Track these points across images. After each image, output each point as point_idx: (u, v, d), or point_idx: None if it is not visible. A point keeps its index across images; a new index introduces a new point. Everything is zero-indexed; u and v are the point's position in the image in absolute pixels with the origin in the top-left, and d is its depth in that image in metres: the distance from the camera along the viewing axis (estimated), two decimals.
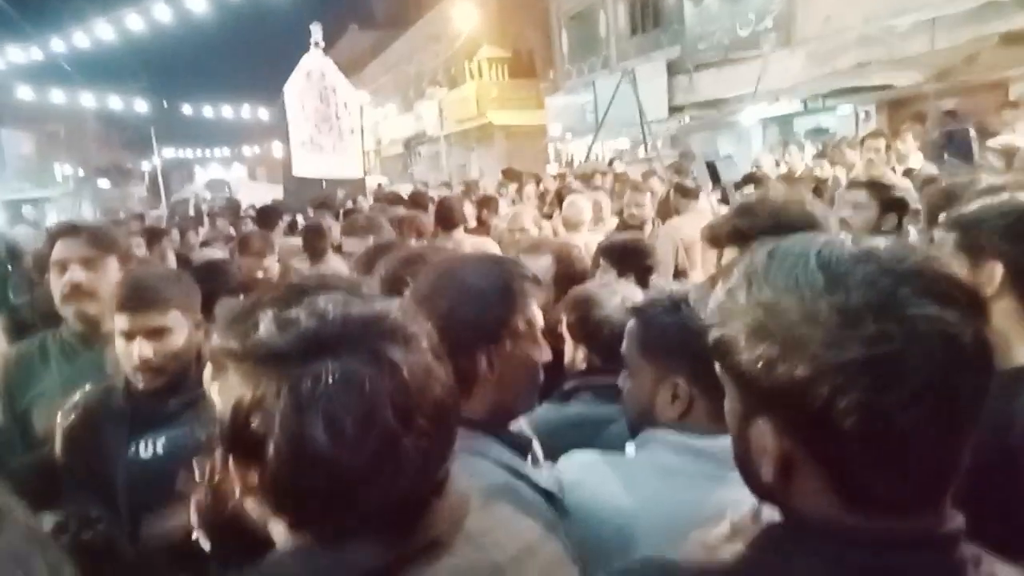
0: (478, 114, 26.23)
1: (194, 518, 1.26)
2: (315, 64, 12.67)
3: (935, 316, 0.70)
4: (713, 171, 7.72)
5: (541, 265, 2.64)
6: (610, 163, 10.65)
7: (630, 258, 3.16)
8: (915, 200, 3.87)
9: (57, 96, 19.63)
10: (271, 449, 0.78)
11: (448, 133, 27.76)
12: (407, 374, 0.82)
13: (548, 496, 1.32)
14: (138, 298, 1.94)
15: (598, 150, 19.00)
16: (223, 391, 0.84)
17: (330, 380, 0.78)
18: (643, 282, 3.29)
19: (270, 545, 0.90)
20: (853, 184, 3.36)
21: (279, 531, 0.87)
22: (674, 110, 17.12)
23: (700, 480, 1.30)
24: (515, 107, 25.95)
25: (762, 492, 0.84)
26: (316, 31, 12.50)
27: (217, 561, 1.25)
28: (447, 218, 5.10)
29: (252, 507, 0.88)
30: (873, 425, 0.70)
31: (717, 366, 0.84)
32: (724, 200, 6.72)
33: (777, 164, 8.43)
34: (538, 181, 11.48)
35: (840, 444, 0.72)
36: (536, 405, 1.49)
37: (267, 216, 6.51)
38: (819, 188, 6.89)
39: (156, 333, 1.91)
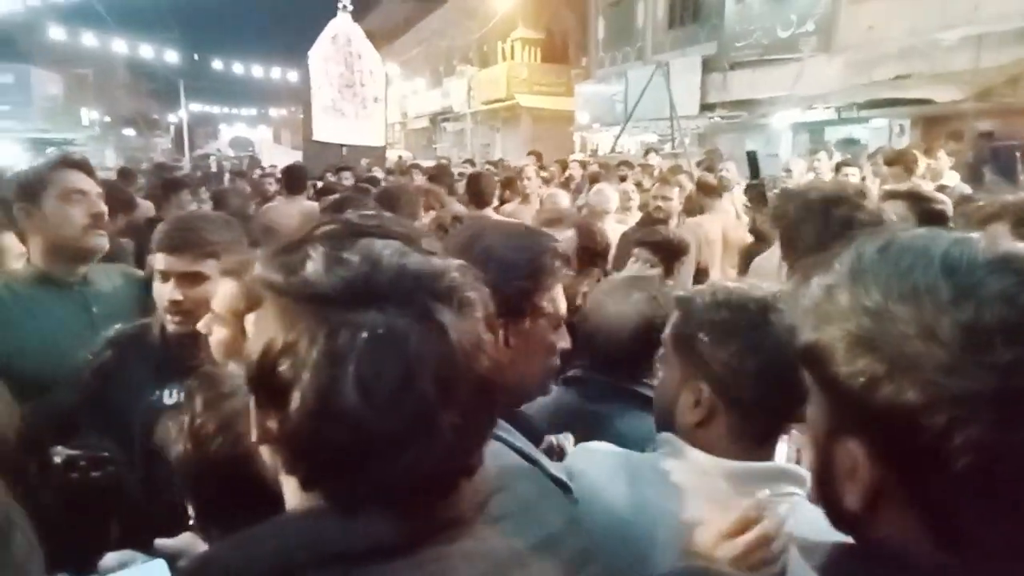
0: (507, 95, 26.04)
1: (177, 477, 1.19)
2: (342, 28, 12.58)
3: None
4: (754, 163, 7.57)
5: (563, 238, 2.57)
6: (646, 154, 10.52)
7: (665, 251, 3.14)
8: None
9: (88, 39, 19.61)
10: (296, 397, 0.71)
11: (475, 111, 27.60)
12: (456, 341, 0.74)
13: (559, 484, 1.24)
14: (177, 240, 1.93)
15: (625, 142, 18.83)
16: (257, 326, 0.78)
17: (372, 333, 0.71)
18: (669, 274, 3.24)
19: (269, 504, 0.82)
20: (890, 194, 3.20)
21: (290, 489, 0.80)
22: (705, 108, 16.88)
23: (699, 498, 1.20)
24: (544, 91, 25.74)
25: (839, 517, 0.75)
26: None
27: (209, 520, 1.18)
28: (480, 194, 5.00)
29: (266, 456, 0.80)
30: (994, 468, 0.59)
31: (806, 373, 0.73)
32: (761, 196, 6.58)
33: (808, 170, 8.25)
34: (564, 167, 11.37)
35: (948, 485, 0.62)
36: (549, 391, 1.41)
37: (294, 179, 6.32)
38: None
39: (190, 278, 1.90)
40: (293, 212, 5.56)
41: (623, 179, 7.94)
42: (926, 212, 2.98)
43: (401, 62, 34.89)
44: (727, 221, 5.45)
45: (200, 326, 1.72)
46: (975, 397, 0.59)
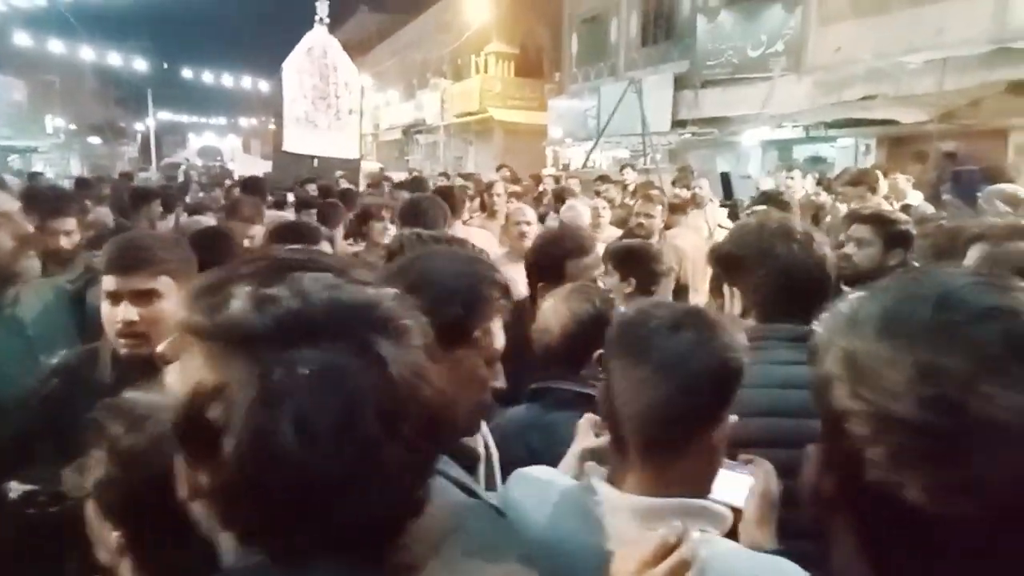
0: (480, 108, 26.10)
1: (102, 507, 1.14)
2: (318, 41, 12.55)
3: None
4: (727, 184, 7.67)
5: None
6: (621, 170, 10.58)
7: (634, 262, 3.07)
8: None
9: (56, 46, 19.26)
10: (229, 445, 0.66)
11: (448, 124, 27.61)
12: (397, 372, 0.70)
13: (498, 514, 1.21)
14: (128, 258, 1.84)
15: (597, 158, 18.95)
16: (183, 372, 0.71)
17: (307, 371, 0.66)
18: (646, 291, 3.21)
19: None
20: (856, 218, 3.25)
21: (227, 545, 0.75)
22: (677, 124, 17.07)
23: (613, 533, 1.15)
24: (518, 105, 25.84)
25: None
26: (322, 8, 12.39)
27: (141, 548, 1.12)
28: (450, 207, 4.98)
29: (199, 513, 0.76)
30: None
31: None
32: (733, 216, 6.64)
33: (777, 187, 8.36)
34: (538, 181, 11.40)
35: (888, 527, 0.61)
36: (478, 429, 1.36)
37: (253, 191, 6.28)
38: (816, 216, 6.84)
39: (143, 296, 1.81)
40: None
41: (598, 194, 7.99)
42: (891, 234, 3.04)
43: (374, 74, 34.82)
44: (696, 239, 5.49)
45: (163, 348, 1.67)
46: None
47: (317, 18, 12.50)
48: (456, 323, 1.19)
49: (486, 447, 1.79)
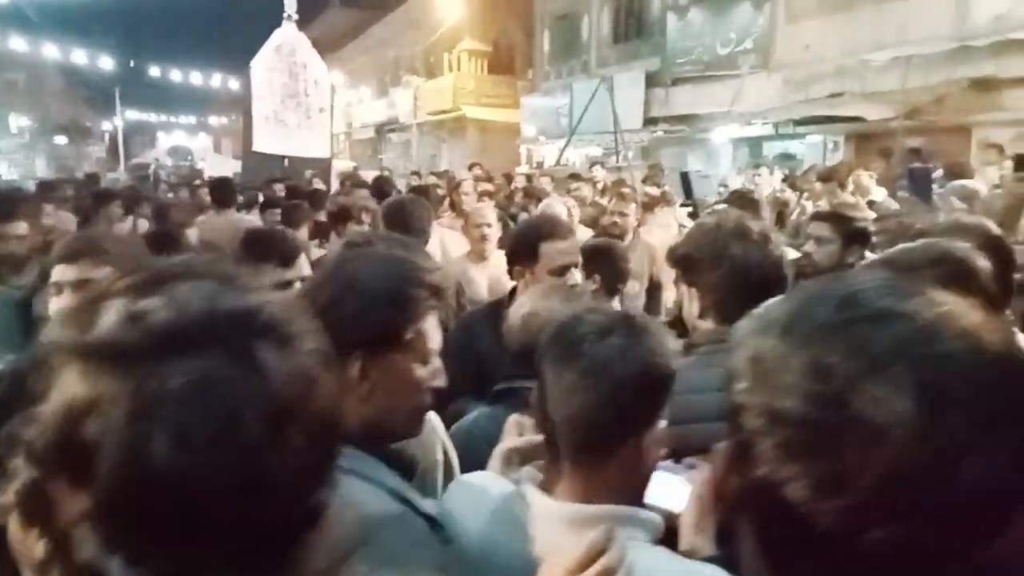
0: (453, 106, 26.03)
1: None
2: (287, 38, 12.38)
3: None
4: (687, 183, 7.73)
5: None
6: (591, 167, 10.59)
7: (599, 260, 3.07)
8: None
9: (17, 43, 18.87)
10: (105, 464, 0.64)
11: (421, 122, 27.50)
12: (279, 380, 0.69)
13: (432, 523, 1.19)
14: (72, 248, 1.90)
15: (571, 155, 18.99)
16: (57, 392, 0.69)
17: (184, 382, 0.65)
18: (612, 288, 3.22)
19: None
20: (816, 216, 3.32)
21: (113, 568, 0.72)
22: (648, 122, 17.17)
23: (543, 540, 1.15)
24: (491, 103, 25.81)
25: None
26: (290, 5, 12.21)
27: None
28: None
29: (80, 538, 0.72)
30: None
31: None
32: (695, 215, 6.70)
33: (743, 186, 8.44)
34: (510, 179, 11.39)
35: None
36: (418, 432, 1.33)
37: (222, 192, 6.15)
38: (782, 213, 6.93)
39: (84, 286, 1.79)
40: (222, 225, 5.44)
41: (568, 192, 8.00)
42: (849, 232, 3.10)
43: (346, 71, 34.55)
44: (666, 236, 5.53)
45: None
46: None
47: (285, 15, 12.34)
48: (385, 327, 1.19)
49: (444, 452, 1.78)
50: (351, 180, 10.64)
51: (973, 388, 0.56)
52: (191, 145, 48.57)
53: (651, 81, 17.18)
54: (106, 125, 41.10)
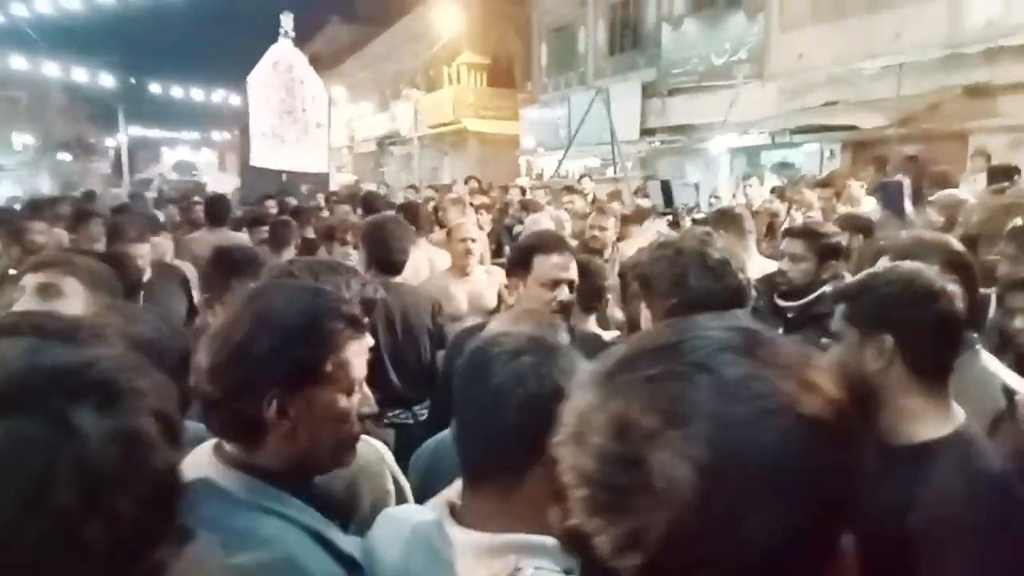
0: (453, 119, 26.11)
1: None
2: (283, 54, 12.47)
3: None
4: (667, 192, 7.70)
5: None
6: (579, 179, 10.57)
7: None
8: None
9: (19, 62, 19.04)
10: None
11: (422, 135, 27.60)
12: (97, 443, 0.66)
13: (347, 563, 1.19)
14: (42, 259, 2.06)
15: (569, 167, 19.02)
16: None
17: None
18: (588, 306, 3.20)
19: None
20: (789, 233, 3.31)
21: None
22: (645, 132, 17.20)
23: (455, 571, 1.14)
24: (491, 115, 25.89)
25: None
26: (287, 21, 12.31)
27: None
28: (413, 224, 4.95)
29: None
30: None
31: None
32: (674, 224, 6.69)
33: (734, 196, 8.44)
34: (505, 192, 11.41)
35: None
36: (349, 462, 1.32)
37: (216, 210, 6.15)
38: (772, 224, 6.90)
39: (46, 289, 1.91)
40: (213, 242, 5.46)
41: (563, 205, 8.00)
42: (823, 248, 3.09)
43: (347, 85, 34.69)
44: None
45: None
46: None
47: (282, 31, 12.44)
48: (301, 363, 1.18)
49: (395, 481, 1.77)
50: (333, 196, 10.68)
51: (755, 453, 0.56)
52: (196, 160, 48.82)
53: (647, 92, 17.22)
54: (110, 142, 41.34)
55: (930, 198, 5.41)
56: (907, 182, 4.70)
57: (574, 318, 2.99)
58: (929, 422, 1.56)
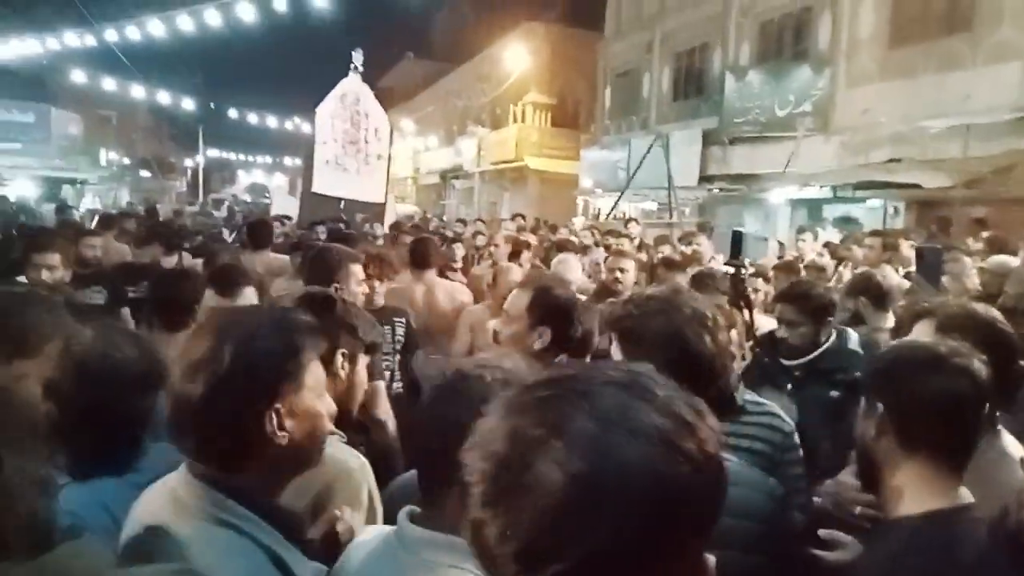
0: (516, 156, 26.46)
1: None
2: (351, 88, 12.90)
3: None
4: (737, 243, 7.56)
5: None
6: (626, 223, 10.53)
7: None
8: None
9: (108, 84, 20.18)
10: None
11: (484, 170, 28.04)
12: None
13: None
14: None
15: (627, 209, 19.02)
16: None
17: None
18: (577, 354, 3.19)
19: None
20: (778, 298, 3.26)
21: None
22: (704, 179, 17.10)
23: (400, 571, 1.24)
24: (553, 155, 26.14)
25: None
26: (358, 57, 12.74)
27: None
28: (420, 258, 5.03)
29: None
30: None
31: None
32: (739, 280, 6.58)
33: (781, 245, 8.29)
34: (554, 231, 11.47)
35: None
36: (319, 459, 1.41)
37: (258, 234, 6.34)
38: (820, 279, 6.75)
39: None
40: (253, 264, 5.64)
41: (607, 248, 8.00)
42: (815, 309, 3.04)
43: (416, 119, 35.63)
44: None
45: None
46: None
47: (352, 66, 12.89)
48: (288, 377, 1.27)
49: (370, 497, 1.81)
50: (398, 229, 10.88)
51: (618, 467, 0.66)
52: (268, 183, 50.60)
53: (709, 139, 17.16)
54: (188, 162, 43.26)
55: (981, 263, 5.25)
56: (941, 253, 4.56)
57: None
58: (914, 498, 1.50)
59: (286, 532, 1.28)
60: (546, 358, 2.50)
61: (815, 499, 1.89)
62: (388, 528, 1.35)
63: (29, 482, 0.92)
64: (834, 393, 2.72)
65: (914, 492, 1.50)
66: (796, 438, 2.32)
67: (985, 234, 6.63)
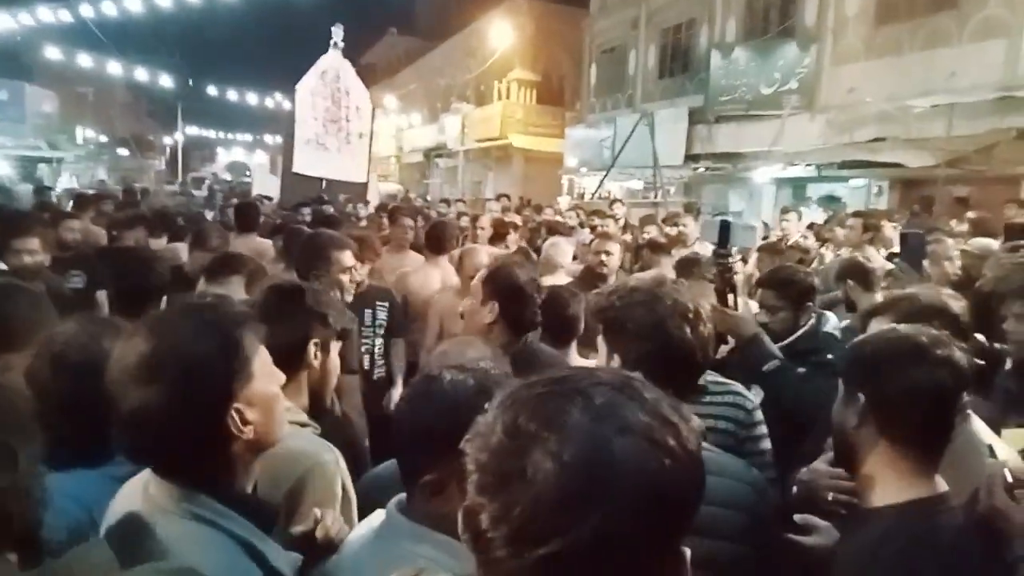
0: (500, 134, 26.30)
1: None
2: (331, 65, 12.69)
3: None
4: (725, 232, 7.54)
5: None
6: (611, 204, 10.43)
7: (545, 307, 2.98)
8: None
9: (85, 60, 19.77)
10: None
11: (468, 149, 27.86)
12: None
13: None
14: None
15: (612, 188, 18.97)
16: None
17: None
18: (562, 339, 3.15)
19: None
20: (759, 284, 3.24)
21: None
22: (690, 158, 17.07)
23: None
24: (538, 132, 26.02)
25: None
26: (338, 32, 12.52)
27: None
28: (439, 241, 4.96)
29: None
30: None
31: None
32: (726, 268, 6.55)
33: (766, 226, 8.28)
34: (539, 211, 11.39)
35: None
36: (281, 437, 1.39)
37: (245, 216, 6.22)
38: (803, 260, 6.75)
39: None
40: (240, 248, 5.55)
41: (592, 229, 7.94)
42: (797, 294, 3.03)
43: (399, 96, 35.26)
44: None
45: None
46: None
47: (332, 42, 12.68)
48: (240, 374, 1.25)
49: (344, 488, 1.78)
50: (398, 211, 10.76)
51: (607, 461, 0.70)
52: (249, 161, 50.03)
53: (694, 118, 17.10)
54: (167, 140, 42.64)
55: (964, 245, 5.24)
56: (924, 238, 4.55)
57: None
58: (893, 486, 1.51)
59: (259, 522, 1.28)
60: (500, 337, 2.52)
61: (793, 488, 1.89)
62: (378, 518, 1.38)
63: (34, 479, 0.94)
64: (801, 369, 2.71)
65: (893, 481, 1.51)
66: (759, 414, 2.34)
67: (971, 215, 6.61)
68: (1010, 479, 1.45)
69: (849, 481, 1.65)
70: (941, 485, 1.52)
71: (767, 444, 2.31)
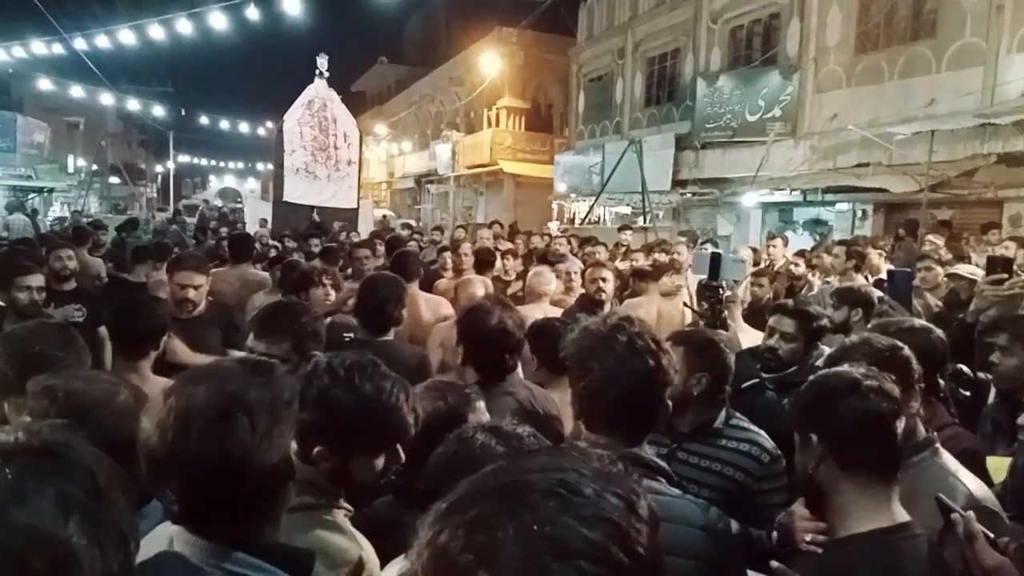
0: (490, 160, 26.48)
1: None
2: (318, 94, 12.86)
3: None
4: (715, 266, 7.59)
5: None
6: (620, 230, 10.45)
7: (536, 339, 3.00)
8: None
9: (77, 91, 19.88)
10: None
11: (459, 175, 28.03)
12: None
13: None
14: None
15: (601, 213, 19.11)
16: None
17: None
18: (558, 371, 3.19)
19: None
20: (782, 311, 3.30)
21: None
22: (678, 184, 17.25)
23: None
24: (528, 158, 26.21)
25: None
26: (322, 62, 12.70)
27: None
28: (401, 272, 5.00)
29: None
30: None
31: None
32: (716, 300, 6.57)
33: (755, 251, 8.36)
34: (529, 236, 11.44)
35: None
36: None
37: (239, 247, 6.26)
38: (792, 287, 6.83)
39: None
40: (232, 277, 5.60)
41: (584, 260, 7.97)
42: (812, 330, 3.11)
43: (390, 123, 35.50)
44: (661, 306, 5.47)
45: None
46: None
47: (317, 71, 12.84)
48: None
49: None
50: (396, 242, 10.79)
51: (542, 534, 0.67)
52: (241, 188, 50.06)
53: (681, 144, 17.31)
54: (159, 167, 42.70)
55: (951, 269, 5.35)
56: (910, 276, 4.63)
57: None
58: (858, 517, 1.59)
59: (296, 571, 1.26)
60: (472, 377, 2.53)
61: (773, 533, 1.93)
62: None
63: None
64: (784, 401, 2.76)
65: (857, 511, 1.60)
66: (779, 468, 2.25)
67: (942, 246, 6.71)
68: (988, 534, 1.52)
69: (821, 522, 1.71)
70: (902, 514, 1.60)
71: (782, 498, 2.18)
